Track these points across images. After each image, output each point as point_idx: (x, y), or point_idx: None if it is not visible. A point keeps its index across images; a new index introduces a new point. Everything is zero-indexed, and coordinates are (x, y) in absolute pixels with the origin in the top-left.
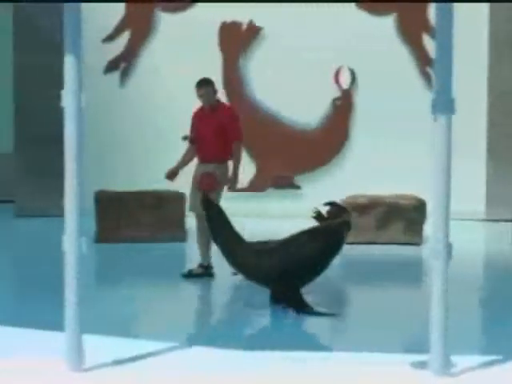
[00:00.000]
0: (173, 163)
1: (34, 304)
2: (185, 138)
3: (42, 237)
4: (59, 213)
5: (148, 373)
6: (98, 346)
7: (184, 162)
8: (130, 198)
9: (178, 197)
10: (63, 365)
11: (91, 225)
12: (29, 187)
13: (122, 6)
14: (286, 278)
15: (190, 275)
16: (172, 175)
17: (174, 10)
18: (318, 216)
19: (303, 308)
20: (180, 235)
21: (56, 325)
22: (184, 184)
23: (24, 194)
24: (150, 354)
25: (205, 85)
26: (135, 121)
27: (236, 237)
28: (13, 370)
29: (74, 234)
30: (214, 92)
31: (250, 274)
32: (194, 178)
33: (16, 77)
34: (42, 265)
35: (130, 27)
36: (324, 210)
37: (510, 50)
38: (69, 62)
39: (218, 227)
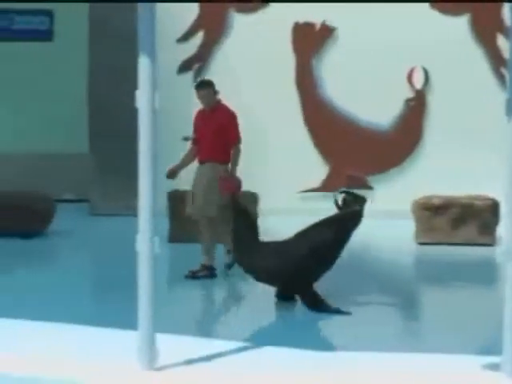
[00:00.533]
0: (241, 161)
1: (107, 303)
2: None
3: (115, 236)
4: (133, 212)
5: (220, 372)
6: (171, 345)
7: (184, 162)
8: None
9: (252, 197)
10: (136, 363)
11: (164, 224)
12: (103, 187)
13: (195, 6)
14: (303, 273)
15: (193, 277)
16: (172, 174)
17: (248, 11)
18: (336, 204)
19: (318, 304)
20: None
21: (129, 323)
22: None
23: (99, 194)
24: (222, 354)
25: (205, 86)
26: None
27: (258, 238)
28: (87, 368)
29: (147, 233)
30: (214, 93)
31: (267, 274)
32: (196, 180)
33: (91, 77)
34: (116, 264)
35: (204, 27)
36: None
37: None
38: (143, 62)
39: (242, 229)
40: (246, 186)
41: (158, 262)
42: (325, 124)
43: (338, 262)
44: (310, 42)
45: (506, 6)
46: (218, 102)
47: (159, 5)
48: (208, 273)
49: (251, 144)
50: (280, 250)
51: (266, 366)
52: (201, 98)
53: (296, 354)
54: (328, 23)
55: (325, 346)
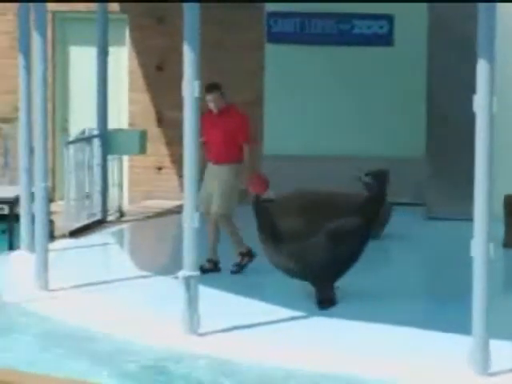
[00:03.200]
0: None
1: (440, 306)
2: None
3: (450, 240)
4: (469, 217)
5: None
6: (503, 352)
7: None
8: None
9: None
10: (468, 368)
11: (499, 229)
12: (440, 190)
13: None
14: (325, 274)
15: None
16: None
17: None
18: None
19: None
20: None
21: (461, 327)
22: None
23: (435, 197)
24: None
25: (213, 89)
26: None
27: (283, 236)
28: (415, 369)
29: (482, 238)
30: (222, 96)
31: (292, 274)
32: (211, 180)
33: (429, 80)
34: (450, 268)
35: None
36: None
37: None
38: (482, 65)
39: (264, 229)
40: None
41: (492, 268)
42: None
43: None
44: None
45: None
46: (228, 104)
47: (500, 5)
48: (213, 267)
49: None
50: (301, 254)
51: None
52: (209, 100)
53: None
54: None
55: None
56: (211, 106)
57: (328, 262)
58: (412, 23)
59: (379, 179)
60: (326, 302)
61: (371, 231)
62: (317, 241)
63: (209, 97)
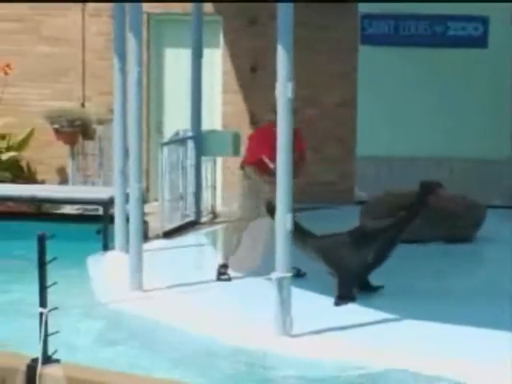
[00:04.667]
0: None
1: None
2: None
3: None
4: None
5: None
6: None
7: None
8: None
9: None
10: None
11: None
12: None
13: None
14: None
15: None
16: None
17: None
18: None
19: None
20: None
21: None
22: None
23: None
24: None
25: None
26: None
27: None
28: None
29: None
30: None
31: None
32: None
33: None
34: None
35: None
36: None
37: None
38: None
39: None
40: None
41: None
42: None
43: None
44: None
45: None
46: None
47: None
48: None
49: None
50: (324, 250)
51: None
52: None
53: None
54: None
55: None
56: None
57: (350, 260)
58: (507, 25)
59: (422, 189)
60: (344, 298)
61: (400, 236)
62: (339, 238)
63: None
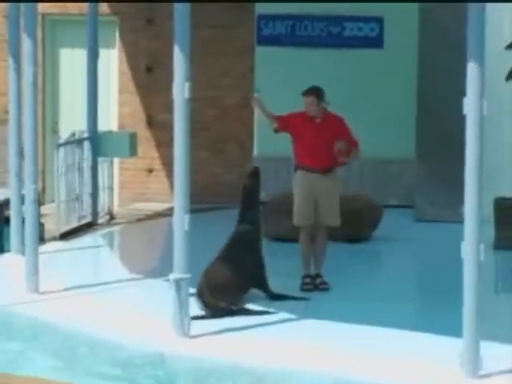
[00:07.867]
0: None
1: (431, 309)
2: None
3: (440, 242)
4: (458, 219)
5: None
6: (494, 354)
7: (267, 112)
8: None
9: None
10: (459, 370)
11: (490, 232)
12: (429, 193)
13: None
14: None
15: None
16: (256, 102)
17: None
18: None
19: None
20: None
21: (452, 330)
22: None
23: (424, 200)
24: None
25: (309, 94)
26: None
27: None
28: (412, 372)
29: (472, 240)
30: (318, 102)
31: None
32: (317, 189)
33: (420, 82)
34: (440, 270)
35: None
36: None
37: None
38: (471, 68)
39: None
40: None
41: (482, 270)
42: None
43: None
44: None
45: None
46: (325, 111)
47: (490, 8)
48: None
49: None
50: None
51: None
52: (306, 105)
53: None
54: None
55: None
56: (308, 110)
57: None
58: (402, 25)
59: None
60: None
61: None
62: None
63: (305, 100)
